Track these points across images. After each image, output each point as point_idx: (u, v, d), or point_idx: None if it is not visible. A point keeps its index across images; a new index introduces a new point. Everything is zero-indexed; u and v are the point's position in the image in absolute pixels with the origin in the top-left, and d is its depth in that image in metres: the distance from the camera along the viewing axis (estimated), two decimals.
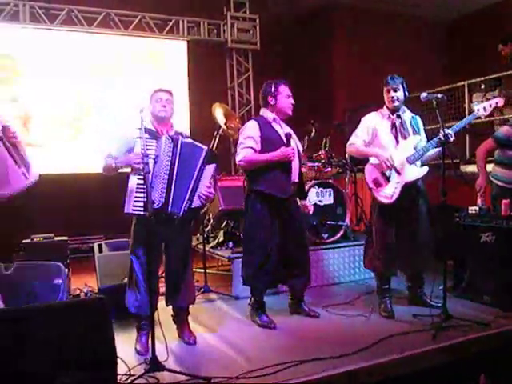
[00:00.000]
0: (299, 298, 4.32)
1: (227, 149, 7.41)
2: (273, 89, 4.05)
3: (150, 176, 3.29)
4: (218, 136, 5.16)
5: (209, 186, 3.56)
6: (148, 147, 3.36)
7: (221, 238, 5.58)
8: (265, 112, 4.12)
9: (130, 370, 3.03)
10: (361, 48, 9.29)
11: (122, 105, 7.80)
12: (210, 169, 3.58)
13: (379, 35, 9.40)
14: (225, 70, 8.82)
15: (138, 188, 3.35)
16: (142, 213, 3.27)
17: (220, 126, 5.27)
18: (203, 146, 3.61)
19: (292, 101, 4.09)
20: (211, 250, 5.50)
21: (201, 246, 5.28)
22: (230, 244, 5.39)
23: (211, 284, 5.18)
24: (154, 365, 3.03)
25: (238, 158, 4.03)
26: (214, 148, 4.97)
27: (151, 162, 3.38)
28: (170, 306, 3.78)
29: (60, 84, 7.72)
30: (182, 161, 3.48)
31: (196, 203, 3.53)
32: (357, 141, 4.21)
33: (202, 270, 5.21)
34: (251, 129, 4.02)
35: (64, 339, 2.25)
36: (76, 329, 2.26)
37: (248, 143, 3.97)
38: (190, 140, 3.64)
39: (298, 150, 4.13)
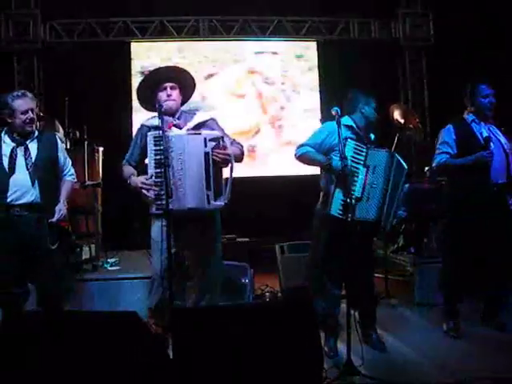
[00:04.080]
0: (494, 309, 4.04)
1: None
2: (469, 89, 3.92)
3: (363, 184, 3.31)
4: (398, 138, 5.02)
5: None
6: (357, 151, 3.35)
7: (401, 242, 5.43)
8: (466, 113, 3.99)
9: (325, 372, 3.03)
10: None
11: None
12: (405, 189, 3.64)
13: None
14: (396, 69, 8.58)
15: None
16: (343, 217, 3.24)
17: (400, 128, 5.13)
18: (405, 166, 3.56)
19: (490, 100, 3.85)
20: (391, 254, 5.37)
21: (380, 251, 5.17)
22: (412, 249, 5.22)
23: (391, 290, 5.05)
24: (350, 369, 3.01)
25: (433, 164, 4.01)
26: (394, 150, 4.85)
27: (362, 169, 3.35)
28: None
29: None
30: (395, 175, 3.45)
31: (392, 222, 3.54)
32: None
33: (382, 276, 5.10)
34: (445, 133, 3.95)
35: (275, 336, 2.32)
36: (288, 328, 2.32)
37: (442, 149, 3.91)
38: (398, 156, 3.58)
39: (505, 150, 3.89)
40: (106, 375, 2.37)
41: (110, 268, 5.04)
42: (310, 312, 2.45)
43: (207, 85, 8.00)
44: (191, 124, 3.47)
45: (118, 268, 5.05)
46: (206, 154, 3.26)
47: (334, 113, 3.28)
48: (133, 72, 7.87)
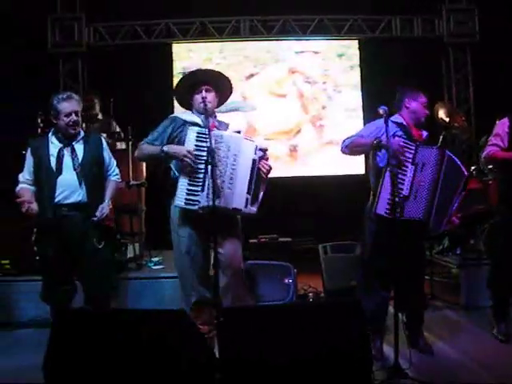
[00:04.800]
0: None
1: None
2: None
3: (410, 182, 3.26)
4: (443, 137, 4.92)
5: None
6: (406, 149, 3.28)
7: (446, 243, 5.32)
8: None
9: (372, 374, 2.99)
10: None
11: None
12: (462, 196, 3.48)
13: None
14: (440, 66, 8.40)
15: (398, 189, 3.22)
16: (389, 216, 3.19)
17: (445, 127, 5.04)
18: (465, 171, 3.49)
19: None
20: (436, 256, 5.27)
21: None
22: (458, 250, 5.11)
23: (436, 292, 4.97)
24: (397, 371, 2.97)
25: (482, 155, 4.00)
26: None
27: (410, 167, 3.30)
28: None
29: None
30: (445, 177, 3.38)
31: (445, 227, 3.46)
32: None
33: (427, 277, 4.98)
34: (499, 126, 3.87)
35: (324, 336, 2.31)
36: (337, 329, 2.30)
37: (493, 141, 3.84)
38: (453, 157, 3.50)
39: None
40: (153, 373, 2.40)
41: (153, 267, 5.10)
42: (359, 313, 2.42)
43: (248, 85, 8.02)
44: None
45: (161, 267, 5.11)
46: (254, 160, 3.35)
47: (381, 111, 3.20)
48: (174, 73, 7.95)
